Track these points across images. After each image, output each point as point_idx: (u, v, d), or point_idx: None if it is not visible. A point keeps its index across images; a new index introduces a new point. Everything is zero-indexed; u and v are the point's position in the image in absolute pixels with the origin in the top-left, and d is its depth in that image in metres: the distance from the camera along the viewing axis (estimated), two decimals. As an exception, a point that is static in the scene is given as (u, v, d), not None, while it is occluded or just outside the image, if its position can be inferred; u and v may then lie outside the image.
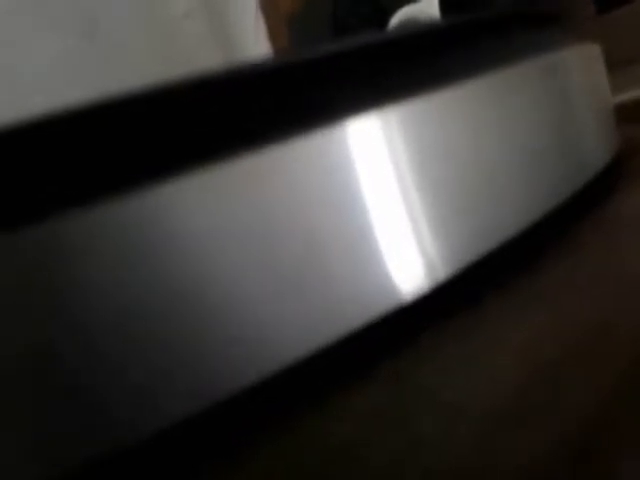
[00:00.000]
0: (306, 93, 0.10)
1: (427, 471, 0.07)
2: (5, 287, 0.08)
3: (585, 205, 0.14)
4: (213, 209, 0.09)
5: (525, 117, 0.13)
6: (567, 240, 0.13)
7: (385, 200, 0.10)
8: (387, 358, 0.10)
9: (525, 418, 0.08)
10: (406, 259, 0.11)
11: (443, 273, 0.11)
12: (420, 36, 0.12)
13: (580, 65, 0.15)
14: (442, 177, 0.11)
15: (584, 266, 0.12)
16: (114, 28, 0.29)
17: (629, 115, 0.20)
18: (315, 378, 0.10)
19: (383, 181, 0.10)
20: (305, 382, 0.09)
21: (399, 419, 0.08)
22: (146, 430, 0.08)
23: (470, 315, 0.11)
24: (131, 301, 0.08)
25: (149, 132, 0.09)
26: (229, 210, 0.09)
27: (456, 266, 0.11)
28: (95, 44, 0.28)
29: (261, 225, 0.09)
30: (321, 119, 0.10)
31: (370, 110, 0.10)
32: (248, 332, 0.09)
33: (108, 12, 0.29)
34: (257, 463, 0.08)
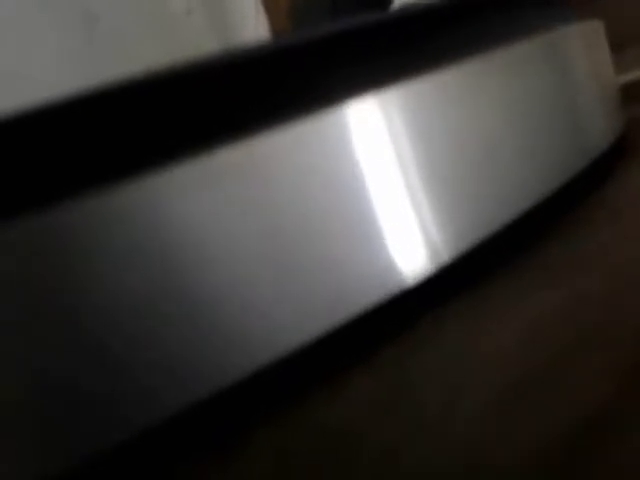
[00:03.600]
0: (304, 76, 0.10)
1: (428, 454, 0.07)
2: (2, 277, 0.08)
3: (590, 184, 0.14)
4: (211, 194, 0.09)
5: (526, 96, 0.13)
6: (572, 220, 0.13)
7: (386, 183, 0.10)
8: (389, 342, 0.10)
9: (528, 401, 0.08)
10: (408, 242, 0.10)
11: (446, 256, 0.11)
12: (419, 16, 0.12)
13: (582, 43, 0.15)
14: (444, 159, 0.11)
15: (589, 246, 0.12)
16: (115, 24, 0.29)
17: (631, 94, 0.20)
18: (316, 363, 0.10)
19: (383, 164, 0.10)
20: (306, 367, 0.09)
21: (399, 405, 0.08)
22: (141, 423, 0.08)
23: (474, 297, 0.11)
24: (128, 289, 0.08)
25: (146, 119, 0.09)
26: (228, 195, 0.09)
27: (459, 248, 0.11)
28: (96, 41, 0.28)
29: (260, 209, 0.09)
30: (320, 101, 0.10)
31: (369, 92, 0.10)
32: (248, 318, 0.09)
33: (109, 9, 0.29)
34: (256, 449, 0.08)
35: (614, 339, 0.08)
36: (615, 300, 0.10)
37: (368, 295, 0.10)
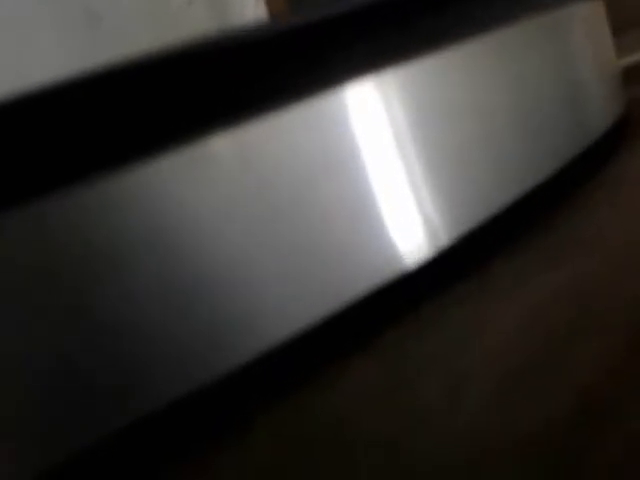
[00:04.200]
0: (302, 58, 0.10)
1: (430, 439, 0.07)
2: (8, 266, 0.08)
3: (591, 166, 0.14)
4: (211, 179, 0.09)
5: (527, 77, 0.13)
6: (572, 201, 0.13)
7: (385, 166, 0.10)
8: (390, 326, 0.10)
9: (528, 387, 0.08)
10: (408, 226, 0.10)
11: (446, 239, 0.11)
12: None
13: (582, 24, 0.15)
14: (443, 141, 0.11)
15: (589, 228, 0.12)
16: (117, 19, 0.29)
17: (633, 76, 0.20)
18: (317, 349, 0.09)
19: (382, 146, 0.10)
20: (306, 353, 0.09)
21: (401, 391, 0.08)
22: (139, 410, 0.08)
23: (475, 280, 0.11)
24: (129, 278, 0.08)
25: (147, 104, 0.09)
26: (227, 180, 0.09)
27: (459, 231, 0.11)
28: (98, 35, 0.28)
29: (259, 194, 0.09)
30: (318, 84, 0.10)
31: (368, 74, 0.10)
32: (247, 304, 0.09)
33: (110, 3, 0.28)
34: (254, 437, 0.08)
35: (612, 323, 0.08)
36: (614, 283, 0.09)
37: (368, 279, 0.10)
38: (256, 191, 0.09)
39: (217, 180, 0.09)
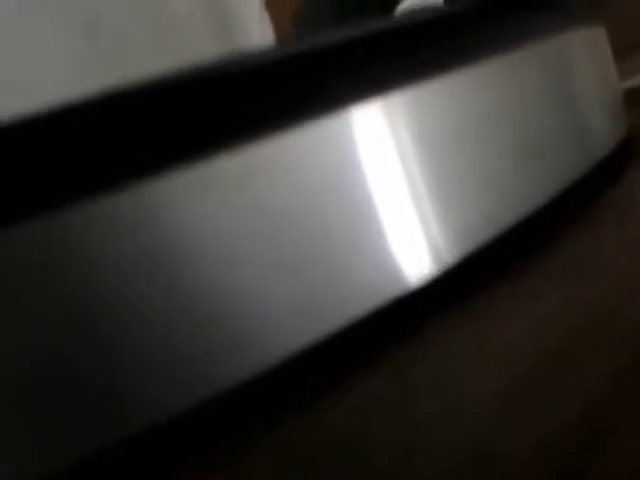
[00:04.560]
0: (308, 81, 0.10)
1: (434, 454, 0.07)
2: (4, 282, 0.08)
3: (594, 188, 0.14)
4: (216, 199, 0.09)
5: (530, 100, 0.13)
6: (576, 223, 0.13)
7: (390, 186, 0.10)
8: (393, 344, 0.10)
9: (530, 403, 0.08)
10: (412, 245, 0.11)
11: (450, 259, 0.11)
12: (423, 22, 0.12)
13: (585, 48, 0.15)
14: (447, 163, 0.11)
15: (593, 250, 0.12)
16: (117, 27, 0.29)
17: (635, 99, 0.20)
18: (322, 366, 0.10)
19: (388, 168, 0.10)
20: (312, 370, 0.09)
21: (404, 406, 0.08)
22: (142, 425, 0.08)
23: (478, 301, 0.11)
24: (131, 294, 0.08)
25: (149, 124, 0.09)
26: (232, 200, 0.09)
27: (463, 251, 0.11)
28: (98, 44, 0.28)
29: (265, 214, 0.09)
30: (325, 107, 0.10)
31: (374, 97, 0.10)
32: (252, 321, 0.09)
33: (110, 11, 0.29)
34: (261, 453, 0.08)
35: (614, 341, 0.08)
36: (619, 302, 0.10)
37: (373, 298, 0.10)
38: (259, 212, 0.09)
39: (221, 201, 0.09)
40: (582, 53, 0.15)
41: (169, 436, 0.08)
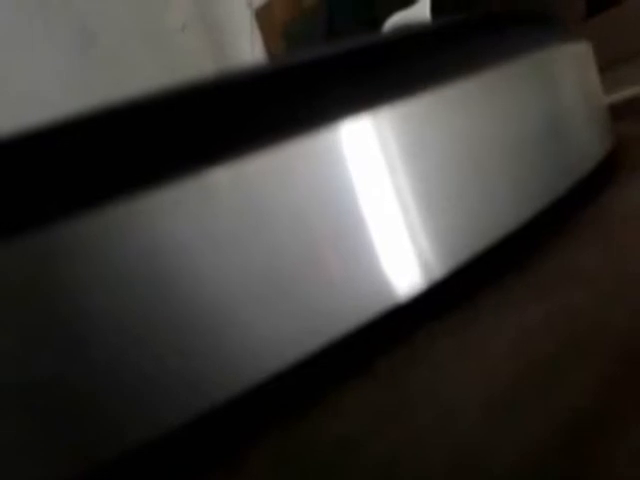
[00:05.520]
0: (298, 96, 0.10)
1: (425, 465, 0.07)
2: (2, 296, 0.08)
3: (580, 201, 0.14)
4: (206, 214, 0.09)
5: (517, 115, 0.13)
6: (562, 236, 0.13)
7: (379, 200, 0.10)
8: (383, 357, 0.10)
9: (518, 411, 0.08)
10: (401, 259, 0.11)
11: (438, 272, 0.11)
12: (412, 38, 0.12)
13: (571, 63, 0.15)
14: (436, 177, 0.11)
15: (577, 262, 0.12)
16: (111, 41, 0.29)
17: (620, 113, 0.20)
18: (312, 378, 0.10)
19: (377, 182, 0.10)
20: (302, 382, 0.10)
21: (395, 415, 0.08)
22: (141, 437, 0.08)
23: (466, 312, 0.11)
24: (126, 306, 0.08)
25: (143, 138, 0.09)
26: (221, 214, 0.09)
27: (451, 264, 0.11)
28: (92, 57, 0.28)
29: (254, 227, 0.09)
30: (315, 121, 0.10)
31: (363, 112, 0.10)
32: (243, 334, 0.09)
33: (105, 26, 0.29)
34: (255, 462, 0.08)
35: (599, 351, 0.09)
36: (604, 313, 0.10)
37: (362, 311, 0.10)
38: (249, 226, 0.09)
39: (214, 213, 0.09)
40: (568, 67, 0.15)
41: (164, 449, 0.08)
